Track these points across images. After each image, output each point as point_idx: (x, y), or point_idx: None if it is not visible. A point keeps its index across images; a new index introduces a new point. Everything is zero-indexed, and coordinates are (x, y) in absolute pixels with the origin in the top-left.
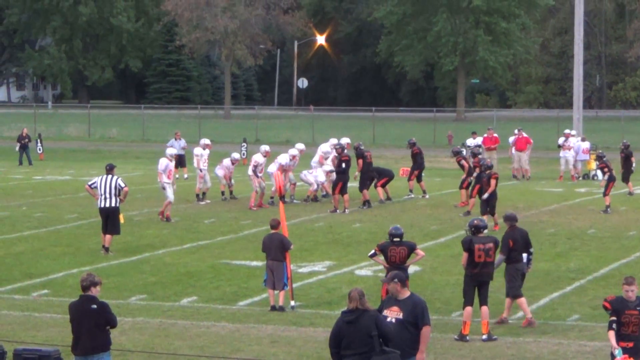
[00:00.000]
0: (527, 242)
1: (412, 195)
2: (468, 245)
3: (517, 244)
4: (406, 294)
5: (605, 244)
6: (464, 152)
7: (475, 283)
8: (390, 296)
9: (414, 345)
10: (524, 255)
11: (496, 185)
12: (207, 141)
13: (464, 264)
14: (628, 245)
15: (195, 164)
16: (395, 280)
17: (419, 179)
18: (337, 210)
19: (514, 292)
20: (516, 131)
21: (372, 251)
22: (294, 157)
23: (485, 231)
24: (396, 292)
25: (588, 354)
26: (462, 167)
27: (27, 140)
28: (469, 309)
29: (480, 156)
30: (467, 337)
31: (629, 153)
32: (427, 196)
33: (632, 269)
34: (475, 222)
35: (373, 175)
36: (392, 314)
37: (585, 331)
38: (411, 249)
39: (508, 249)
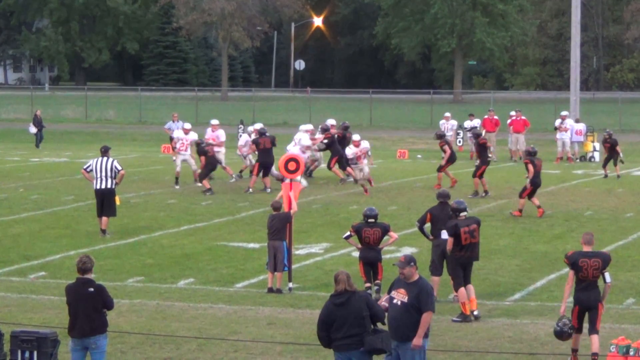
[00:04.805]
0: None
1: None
2: (454, 230)
3: (436, 219)
4: (415, 277)
5: (603, 226)
6: (450, 136)
7: (463, 265)
8: (400, 278)
9: (415, 329)
10: (444, 232)
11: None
12: (188, 126)
13: (449, 249)
14: (625, 227)
15: (178, 147)
16: (412, 264)
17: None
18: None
19: (431, 269)
20: (513, 112)
21: (347, 233)
22: (311, 131)
23: (464, 213)
24: (411, 276)
25: (584, 335)
26: (444, 151)
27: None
28: (462, 290)
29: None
30: (470, 317)
31: (614, 142)
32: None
33: (629, 251)
34: (454, 205)
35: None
36: (399, 296)
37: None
38: (385, 230)
39: (423, 221)
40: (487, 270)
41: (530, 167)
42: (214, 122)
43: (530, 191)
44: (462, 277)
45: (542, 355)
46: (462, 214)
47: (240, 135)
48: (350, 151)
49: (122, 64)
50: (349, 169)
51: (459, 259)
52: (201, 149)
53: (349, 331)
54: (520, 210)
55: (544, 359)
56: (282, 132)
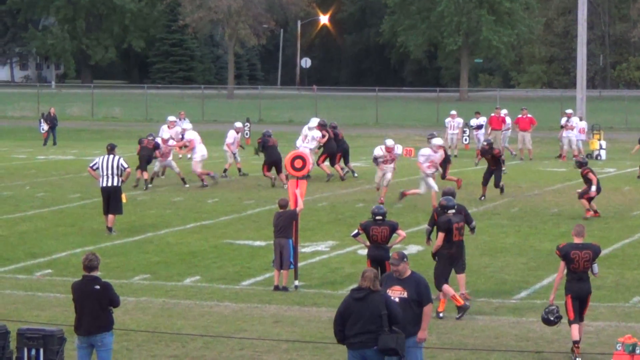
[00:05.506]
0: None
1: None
2: (448, 226)
3: None
4: (408, 272)
5: (609, 224)
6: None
7: (452, 262)
8: (391, 275)
9: (416, 324)
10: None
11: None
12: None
13: (439, 245)
14: (631, 225)
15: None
16: (405, 259)
17: (332, 162)
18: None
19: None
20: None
21: (355, 231)
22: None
23: (452, 211)
24: (404, 271)
25: (590, 334)
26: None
27: (55, 120)
28: (446, 286)
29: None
30: (467, 303)
31: None
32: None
33: (635, 249)
34: (443, 202)
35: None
36: (396, 293)
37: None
38: (393, 228)
39: (433, 222)
40: (493, 268)
41: (591, 175)
42: (171, 118)
43: (594, 195)
44: (448, 276)
45: (548, 353)
46: (450, 211)
47: (247, 133)
48: (380, 152)
49: (128, 62)
50: (323, 165)
51: (448, 257)
52: (143, 138)
53: (364, 328)
54: (589, 210)
55: (550, 357)
56: (288, 130)
